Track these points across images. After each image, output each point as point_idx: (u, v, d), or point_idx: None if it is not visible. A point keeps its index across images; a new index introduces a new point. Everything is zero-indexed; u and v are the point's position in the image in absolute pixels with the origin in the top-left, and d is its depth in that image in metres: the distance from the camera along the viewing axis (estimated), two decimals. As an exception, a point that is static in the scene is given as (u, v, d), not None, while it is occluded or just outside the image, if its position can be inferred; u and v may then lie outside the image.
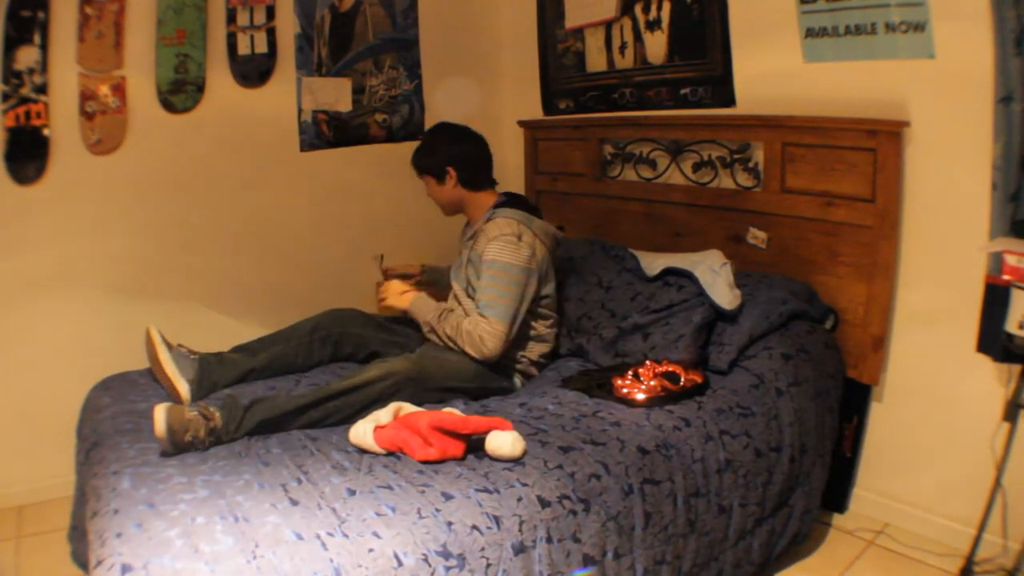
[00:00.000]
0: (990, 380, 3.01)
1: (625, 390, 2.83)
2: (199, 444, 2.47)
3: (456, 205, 3.36)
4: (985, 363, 3.00)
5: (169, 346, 2.95)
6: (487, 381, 3.11)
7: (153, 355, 2.93)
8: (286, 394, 2.79)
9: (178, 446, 2.43)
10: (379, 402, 2.73)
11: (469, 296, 3.23)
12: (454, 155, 3.27)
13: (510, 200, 3.32)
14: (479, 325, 3.04)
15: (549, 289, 3.31)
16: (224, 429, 2.53)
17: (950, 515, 3.19)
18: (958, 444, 3.13)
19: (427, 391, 2.90)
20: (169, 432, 2.41)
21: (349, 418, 2.69)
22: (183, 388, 2.87)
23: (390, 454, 2.42)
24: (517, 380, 3.24)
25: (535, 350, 3.30)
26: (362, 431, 2.46)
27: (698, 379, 2.89)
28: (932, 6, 2.95)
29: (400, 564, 1.92)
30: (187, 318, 3.82)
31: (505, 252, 3.09)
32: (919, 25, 3.00)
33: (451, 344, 3.13)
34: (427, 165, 3.31)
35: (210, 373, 2.96)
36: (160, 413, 2.41)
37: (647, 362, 2.95)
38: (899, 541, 3.25)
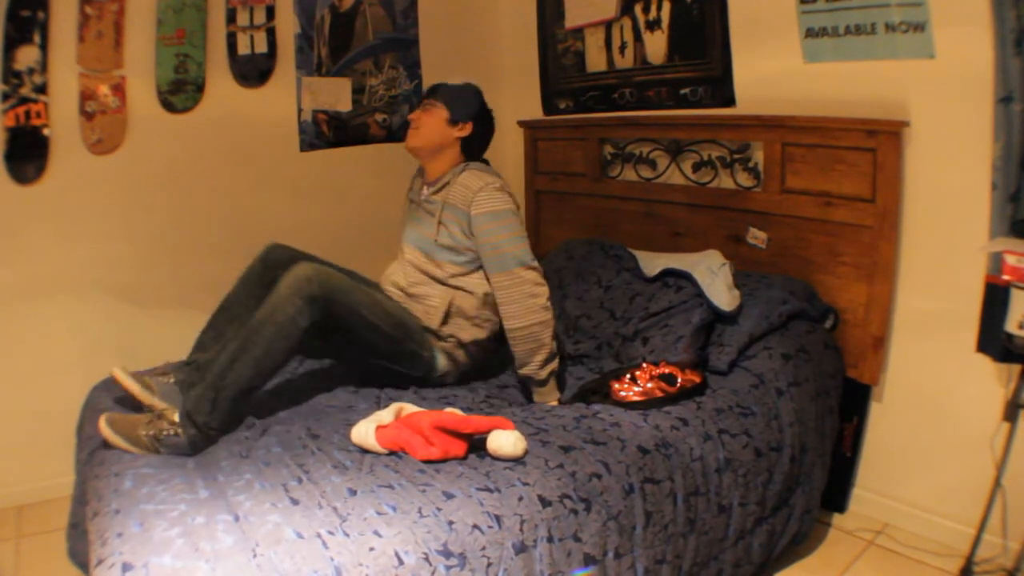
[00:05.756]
0: (990, 380, 3.02)
1: (622, 393, 2.83)
2: (171, 438, 2.46)
3: (434, 149, 3.13)
4: (985, 363, 3.00)
5: (143, 383, 2.73)
6: (404, 334, 2.95)
7: (132, 397, 2.74)
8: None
9: (145, 446, 2.44)
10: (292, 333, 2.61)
11: (449, 250, 3.06)
12: (482, 115, 3.17)
13: (477, 151, 3.23)
14: (524, 281, 2.94)
15: None
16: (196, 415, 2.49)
17: (950, 515, 3.20)
18: (958, 444, 3.14)
19: (350, 313, 2.77)
20: (125, 440, 2.43)
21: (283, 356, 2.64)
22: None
23: (392, 454, 2.42)
24: (440, 357, 3.06)
25: (468, 331, 3.09)
26: (364, 431, 2.45)
27: (696, 379, 2.89)
28: (932, 6, 2.96)
29: (401, 563, 1.92)
30: (186, 317, 3.80)
31: (496, 200, 2.98)
32: (919, 25, 3.00)
33: (546, 342, 2.96)
34: (456, 101, 3.13)
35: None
36: (104, 427, 2.44)
37: (644, 364, 2.95)
38: (899, 541, 3.25)
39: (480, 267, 3.05)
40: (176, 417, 2.49)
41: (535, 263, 2.98)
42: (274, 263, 3.02)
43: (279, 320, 2.58)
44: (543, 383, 2.99)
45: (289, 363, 2.97)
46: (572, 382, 3.20)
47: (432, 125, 3.12)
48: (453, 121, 3.11)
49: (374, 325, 2.85)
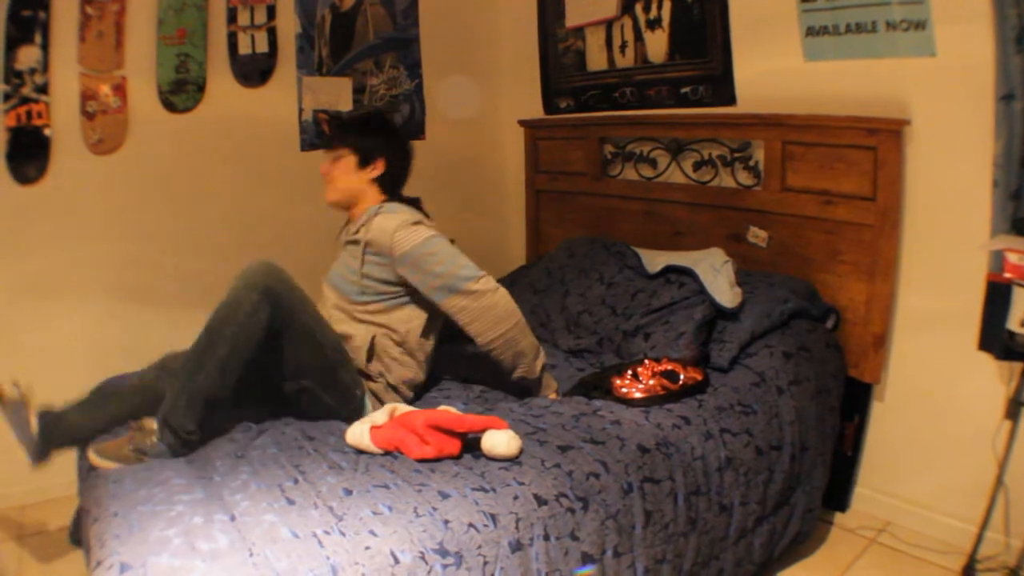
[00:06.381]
0: (992, 378, 3.01)
1: (624, 390, 2.83)
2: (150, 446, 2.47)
3: (353, 198, 3.02)
4: (987, 361, 2.99)
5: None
6: (342, 362, 2.79)
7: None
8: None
9: (132, 460, 2.46)
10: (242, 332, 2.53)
11: (370, 291, 2.93)
12: (393, 150, 3.02)
13: (394, 184, 3.08)
14: (478, 295, 2.81)
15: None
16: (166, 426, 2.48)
17: (952, 513, 3.19)
18: (960, 442, 3.13)
19: (297, 322, 2.66)
20: (115, 461, 2.44)
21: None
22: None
23: (387, 453, 2.42)
24: (367, 399, 2.90)
25: (396, 371, 2.96)
26: (359, 432, 2.46)
27: (698, 377, 2.88)
28: (933, 4, 2.95)
29: (397, 562, 1.92)
30: (187, 316, 3.80)
31: (414, 235, 2.82)
32: (920, 23, 3.00)
33: (526, 341, 2.89)
34: (363, 142, 2.98)
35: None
36: (95, 459, 2.47)
37: (646, 361, 2.94)
38: (901, 539, 3.25)
39: (403, 304, 2.94)
40: (154, 425, 2.51)
41: (480, 272, 2.86)
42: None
43: (239, 319, 2.52)
44: (539, 379, 2.97)
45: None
46: (573, 375, 3.21)
47: (344, 177, 3.00)
48: (363, 165, 2.98)
49: (318, 341, 2.73)
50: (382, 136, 3.02)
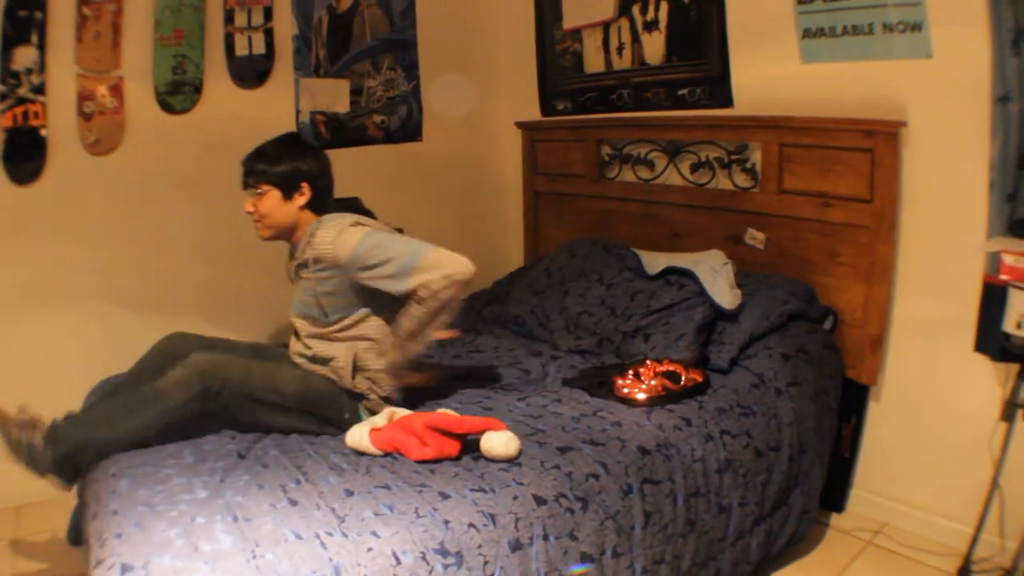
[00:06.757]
0: (988, 379, 3.02)
1: (626, 390, 2.84)
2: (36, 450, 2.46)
3: (289, 228, 2.88)
4: (983, 363, 3.00)
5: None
6: (314, 404, 2.74)
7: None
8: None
9: (13, 445, 2.46)
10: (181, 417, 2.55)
11: (333, 307, 2.83)
12: (313, 171, 2.87)
13: (325, 199, 2.93)
14: (427, 274, 2.65)
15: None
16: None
17: (948, 515, 3.19)
18: (956, 444, 3.13)
19: (246, 400, 2.65)
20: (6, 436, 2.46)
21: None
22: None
23: (387, 455, 2.43)
24: (364, 416, 2.81)
25: (384, 382, 2.88)
26: (358, 435, 2.48)
27: (698, 378, 2.90)
28: (929, 6, 2.96)
29: (399, 562, 1.92)
30: (182, 319, 3.80)
31: (354, 235, 2.71)
32: (916, 25, 3.01)
33: (436, 320, 2.72)
34: (281, 176, 2.82)
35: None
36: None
37: (648, 361, 2.96)
38: (897, 541, 3.25)
39: (371, 312, 2.83)
40: (42, 436, 2.47)
41: (432, 246, 2.71)
42: (175, 351, 2.87)
43: (166, 406, 2.51)
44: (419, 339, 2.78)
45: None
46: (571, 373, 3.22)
47: (272, 212, 2.85)
48: (288, 196, 2.84)
49: (275, 405, 2.68)
50: (299, 161, 2.85)
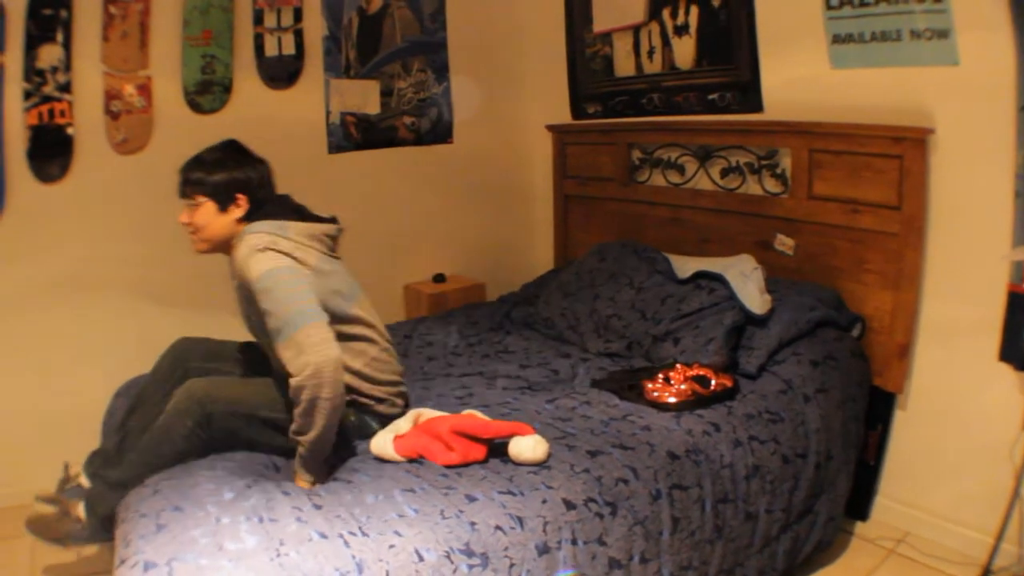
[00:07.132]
0: (1012, 389, 3.00)
1: (656, 394, 2.84)
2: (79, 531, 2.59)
3: (224, 242, 2.65)
4: (1007, 372, 2.98)
5: (59, 508, 2.68)
6: None
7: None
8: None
9: (58, 539, 2.60)
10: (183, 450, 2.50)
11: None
12: (251, 182, 2.64)
13: (261, 210, 2.65)
14: (291, 353, 2.37)
15: (356, 307, 2.71)
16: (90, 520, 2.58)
17: (969, 524, 3.18)
18: (979, 452, 3.11)
19: (238, 418, 2.54)
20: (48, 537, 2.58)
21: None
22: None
23: (412, 461, 2.42)
24: (371, 423, 2.68)
25: (373, 391, 2.71)
26: (382, 442, 2.47)
27: (728, 383, 2.89)
28: (955, 14, 2.94)
29: (421, 559, 1.94)
30: (207, 317, 3.81)
31: (257, 264, 2.46)
32: (943, 32, 2.99)
33: (320, 419, 2.34)
34: (212, 186, 2.59)
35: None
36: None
37: (677, 365, 2.95)
38: (919, 550, 3.23)
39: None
40: (81, 512, 2.60)
41: (311, 325, 2.38)
42: (184, 357, 2.88)
43: (174, 438, 2.48)
44: (307, 459, 2.39)
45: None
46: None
47: (207, 225, 2.62)
48: (223, 208, 2.61)
49: (277, 425, 2.54)
50: (236, 170, 2.63)
